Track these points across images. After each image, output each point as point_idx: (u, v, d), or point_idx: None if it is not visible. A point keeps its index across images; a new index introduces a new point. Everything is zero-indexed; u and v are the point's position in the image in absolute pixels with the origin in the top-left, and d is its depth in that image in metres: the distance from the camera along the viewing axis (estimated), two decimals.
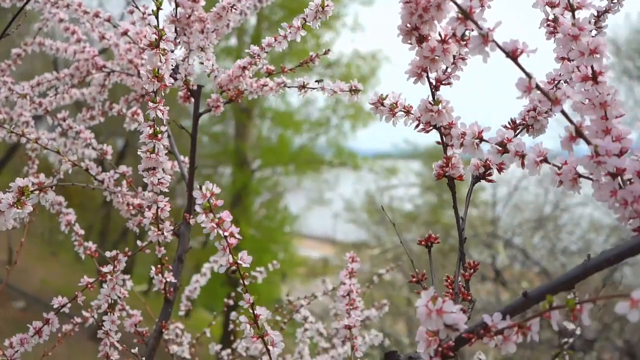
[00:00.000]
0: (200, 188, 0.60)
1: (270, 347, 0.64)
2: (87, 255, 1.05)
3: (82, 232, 1.10)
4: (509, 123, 0.68)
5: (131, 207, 1.00)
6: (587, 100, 0.55)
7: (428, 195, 9.90)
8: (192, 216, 0.96)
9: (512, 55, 0.50)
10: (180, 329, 1.28)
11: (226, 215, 0.62)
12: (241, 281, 0.64)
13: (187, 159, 1.09)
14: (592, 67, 0.53)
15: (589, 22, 0.72)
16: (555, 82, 0.68)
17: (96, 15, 1.09)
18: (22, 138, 0.94)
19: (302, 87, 0.94)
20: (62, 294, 0.98)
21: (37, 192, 0.67)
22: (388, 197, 9.40)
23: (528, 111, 0.67)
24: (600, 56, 0.53)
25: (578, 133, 0.51)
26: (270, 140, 11.67)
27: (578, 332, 1.08)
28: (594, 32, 0.72)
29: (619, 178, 0.51)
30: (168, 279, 0.96)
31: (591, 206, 6.88)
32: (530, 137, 0.69)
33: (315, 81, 0.98)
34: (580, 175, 0.54)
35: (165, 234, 0.90)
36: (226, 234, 0.62)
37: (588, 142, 0.51)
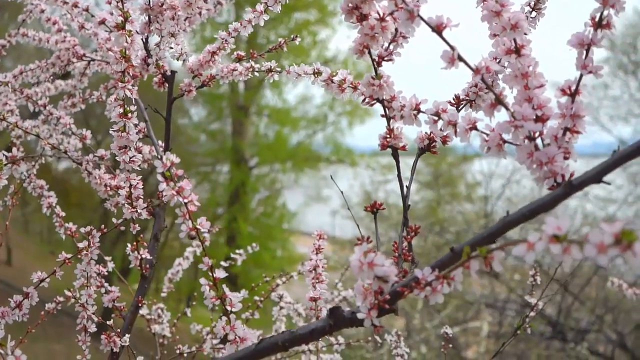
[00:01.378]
0: (161, 158, 0.65)
1: (229, 308, 0.69)
2: (67, 235, 1.10)
3: (63, 214, 1.14)
4: (453, 98, 0.73)
5: (108, 189, 1.05)
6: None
7: (424, 191, 9.94)
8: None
9: (437, 29, 0.55)
10: (161, 309, 1.33)
11: (186, 184, 0.67)
12: (201, 246, 0.69)
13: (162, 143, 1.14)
14: (514, 40, 0.58)
15: (528, 5, 0.77)
16: (497, 59, 0.73)
17: (75, 5, 1.13)
18: (2, 122, 0.98)
19: (270, 70, 0.99)
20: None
21: (10, 164, 0.71)
22: (384, 193, 9.43)
23: (470, 87, 0.72)
24: (521, 30, 0.57)
25: (498, 100, 0.56)
26: (268, 138, 11.71)
27: (540, 305, 1.12)
28: (533, 14, 0.77)
29: (536, 141, 0.55)
30: (144, 256, 1.01)
31: (581, 199, 6.94)
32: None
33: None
34: (505, 141, 0.59)
35: (140, 211, 0.94)
36: (186, 200, 0.66)
37: (507, 109, 0.55)
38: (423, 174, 10.96)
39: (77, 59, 1.22)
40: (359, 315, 0.58)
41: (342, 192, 0.95)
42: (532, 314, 1.10)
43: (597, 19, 0.56)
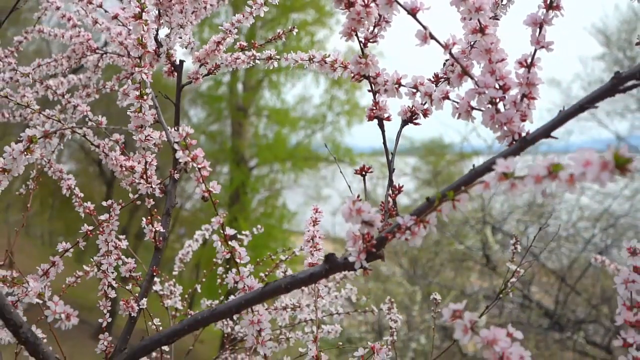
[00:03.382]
0: (177, 129, 0.75)
1: (238, 261, 0.79)
2: (86, 213, 1.20)
3: (81, 194, 1.24)
4: (432, 76, 0.83)
5: (123, 169, 1.15)
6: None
7: (424, 189, 10.04)
8: (177, 172, 1.11)
9: (412, 12, 0.65)
10: (173, 283, 1.43)
11: (199, 152, 0.77)
12: (213, 206, 0.79)
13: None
14: (479, 21, 0.68)
15: None
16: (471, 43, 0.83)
17: (89, 2, 1.23)
18: (24, 107, 1.08)
19: (270, 58, 1.09)
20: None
21: (43, 138, 0.81)
22: (382, 188, 9.52)
23: (447, 66, 0.82)
24: (484, 13, 0.67)
25: (464, 71, 0.66)
26: (267, 138, 11.81)
27: (514, 279, 1.22)
28: (504, 1, 0.87)
29: (498, 106, 0.65)
30: (157, 229, 1.11)
31: (578, 194, 7.03)
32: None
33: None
34: (472, 107, 0.69)
35: (154, 186, 1.04)
36: (200, 166, 0.76)
37: (472, 78, 0.65)
38: (422, 172, 11.06)
39: (91, 52, 1.32)
40: (350, 259, 0.68)
41: (349, 186, 1.01)
42: (514, 279, 1.20)
43: (548, 2, 0.66)
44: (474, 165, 0.65)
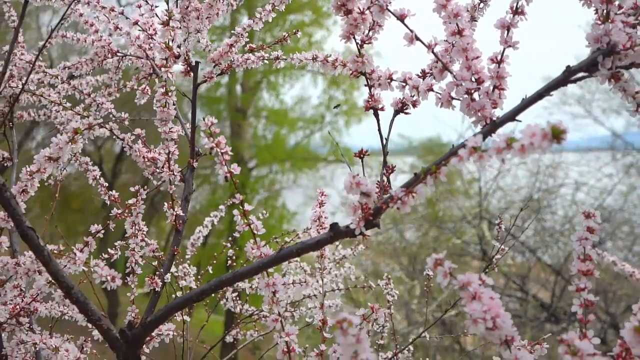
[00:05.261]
0: (204, 119, 0.88)
1: (255, 232, 0.92)
2: (111, 201, 1.33)
3: (106, 184, 1.37)
4: (420, 72, 0.96)
5: (146, 159, 1.28)
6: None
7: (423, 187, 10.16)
8: (195, 161, 1.24)
9: (401, 18, 0.78)
10: (188, 264, 1.56)
11: (222, 139, 0.90)
12: (234, 186, 0.92)
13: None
14: (457, 25, 0.81)
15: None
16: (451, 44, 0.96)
17: (112, 9, 1.36)
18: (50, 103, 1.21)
19: (277, 58, 1.22)
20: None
21: (87, 130, 0.94)
22: None
23: (432, 63, 0.95)
24: (462, 18, 0.80)
25: (445, 67, 0.79)
26: (266, 139, 11.94)
27: (497, 257, 1.35)
28: (481, 5, 1.00)
29: (473, 95, 0.79)
30: (178, 213, 1.24)
31: (571, 188, 7.19)
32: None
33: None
34: (452, 97, 0.82)
35: (175, 174, 1.17)
36: (222, 151, 0.89)
37: (451, 73, 0.78)
38: (420, 170, 11.18)
39: (112, 55, 1.45)
40: (351, 226, 0.81)
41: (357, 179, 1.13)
42: (498, 256, 1.33)
43: (514, 8, 0.79)
44: (453, 145, 0.78)
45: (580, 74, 0.73)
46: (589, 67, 0.71)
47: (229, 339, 1.70)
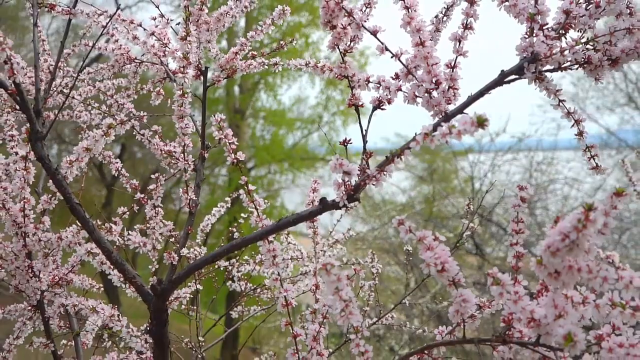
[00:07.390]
0: (214, 115, 1.08)
1: (257, 207, 1.12)
2: (132, 189, 1.52)
3: (127, 174, 1.57)
4: (394, 74, 1.16)
5: (163, 152, 1.48)
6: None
7: (421, 186, 10.38)
8: (206, 151, 1.44)
9: (373, 33, 0.98)
10: (198, 245, 1.77)
11: (230, 131, 1.10)
12: (240, 170, 1.12)
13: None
14: (419, 37, 1.01)
15: (443, 14, 1.20)
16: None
17: (131, 22, 1.56)
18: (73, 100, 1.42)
19: (276, 64, 1.43)
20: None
21: (119, 124, 1.14)
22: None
23: (401, 68, 1.15)
24: (423, 32, 1.00)
25: (409, 72, 0.99)
26: (264, 140, 12.14)
27: (469, 233, 1.55)
28: (444, 18, 1.20)
29: (432, 94, 0.99)
30: (191, 197, 1.44)
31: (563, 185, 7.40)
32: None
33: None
34: (416, 96, 1.02)
35: (189, 163, 1.38)
36: (230, 141, 1.10)
37: (413, 76, 0.99)
38: (418, 169, 11.40)
39: (130, 61, 1.65)
40: (336, 199, 1.02)
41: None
42: (468, 232, 1.53)
43: (465, 24, 0.99)
44: (414, 134, 0.98)
45: (512, 77, 0.93)
46: (518, 71, 0.91)
47: (234, 314, 1.90)
